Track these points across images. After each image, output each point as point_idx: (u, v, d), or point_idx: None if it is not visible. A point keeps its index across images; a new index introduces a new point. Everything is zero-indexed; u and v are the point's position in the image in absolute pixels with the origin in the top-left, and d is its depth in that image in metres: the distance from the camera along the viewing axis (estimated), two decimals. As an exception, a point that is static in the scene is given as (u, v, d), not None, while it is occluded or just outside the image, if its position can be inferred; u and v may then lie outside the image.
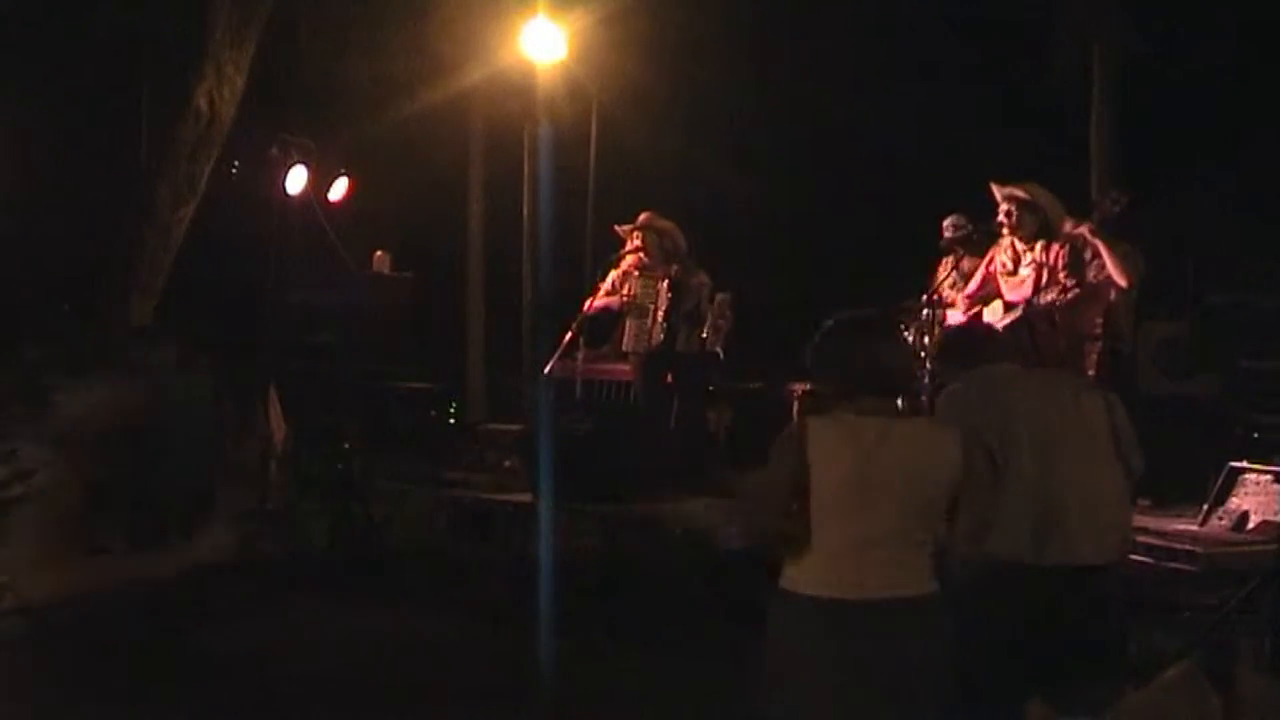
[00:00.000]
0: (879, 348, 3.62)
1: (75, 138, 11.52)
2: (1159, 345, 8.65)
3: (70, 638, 3.57)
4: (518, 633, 6.15)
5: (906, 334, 8.18)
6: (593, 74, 10.76)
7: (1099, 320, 7.86)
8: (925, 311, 7.75)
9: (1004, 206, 7.14)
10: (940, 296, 7.86)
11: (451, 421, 10.94)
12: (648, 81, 11.48)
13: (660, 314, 8.49)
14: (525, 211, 11.89)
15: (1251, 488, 6.82)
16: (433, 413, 10.92)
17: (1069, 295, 6.84)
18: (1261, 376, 7.90)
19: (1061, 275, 6.88)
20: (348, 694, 5.60)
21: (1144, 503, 8.00)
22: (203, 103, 9.39)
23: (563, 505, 7.11)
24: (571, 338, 8.71)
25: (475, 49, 11.01)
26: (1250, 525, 6.68)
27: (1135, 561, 6.06)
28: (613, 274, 8.82)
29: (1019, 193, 7.10)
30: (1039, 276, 6.99)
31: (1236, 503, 6.83)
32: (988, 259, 7.37)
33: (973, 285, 7.41)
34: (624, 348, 8.77)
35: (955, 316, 7.46)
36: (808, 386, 3.86)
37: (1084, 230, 7.49)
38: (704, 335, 8.49)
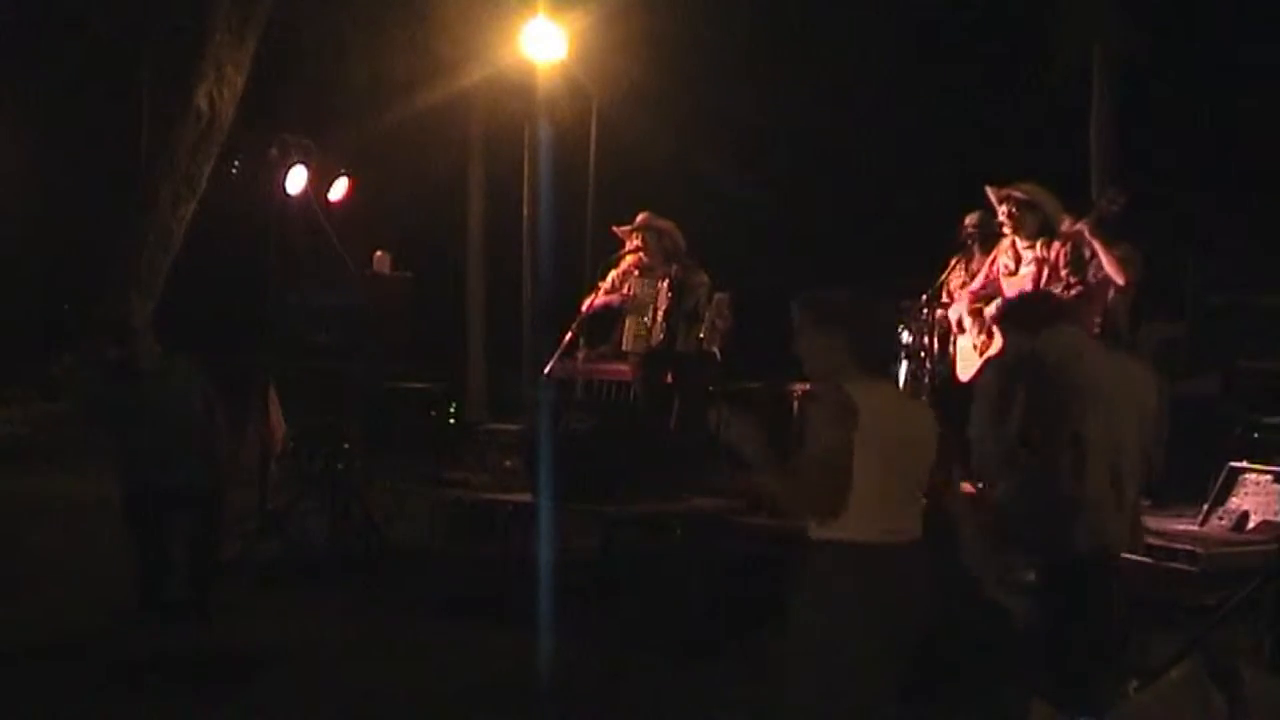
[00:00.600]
0: (881, 320, 4.04)
1: (75, 138, 11.53)
2: (1159, 345, 8.65)
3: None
4: (518, 633, 6.15)
5: (906, 334, 8.19)
6: (593, 74, 10.76)
7: (1097, 320, 7.87)
8: (925, 311, 7.74)
9: (1003, 208, 7.13)
10: (951, 295, 7.85)
11: (451, 421, 10.94)
12: (648, 81, 11.49)
13: (660, 314, 8.48)
14: (525, 211, 11.90)
15: (1251, 488, 6.81)
16: (433, 413, 10.91)
17: (1071, 292, 6.84)
18: (1261, 376, 7.89)
19: (1063, 272, 6.88)
20: (347, 694, 5.59)
21: (1144, 503, 8.01)
22: (203, 103, 9.40)
23: (563, 505, 7.10)
24: (571, 338, 8.70)
25: (475, 49, 11.02)
26: (1250, 525, 6.67)
27: (1135, 561, 6.06)
28: (612, 274, 8.82)
29: (1017, 193, 7.10)
30: (1040, 273, 6.98)
31: (1236, 503, 6.82)
32: (990, 260, 7.37)
33: (976, 283, 7.41)
34: (624, 347, 8.76)
35: (959, 309, 7.45)
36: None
37: (1082, 228, 7.49)
38: (701, 335, 8.48)
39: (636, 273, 8.68)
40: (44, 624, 6.46)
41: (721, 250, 9.51)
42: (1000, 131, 11.42)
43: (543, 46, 10.03)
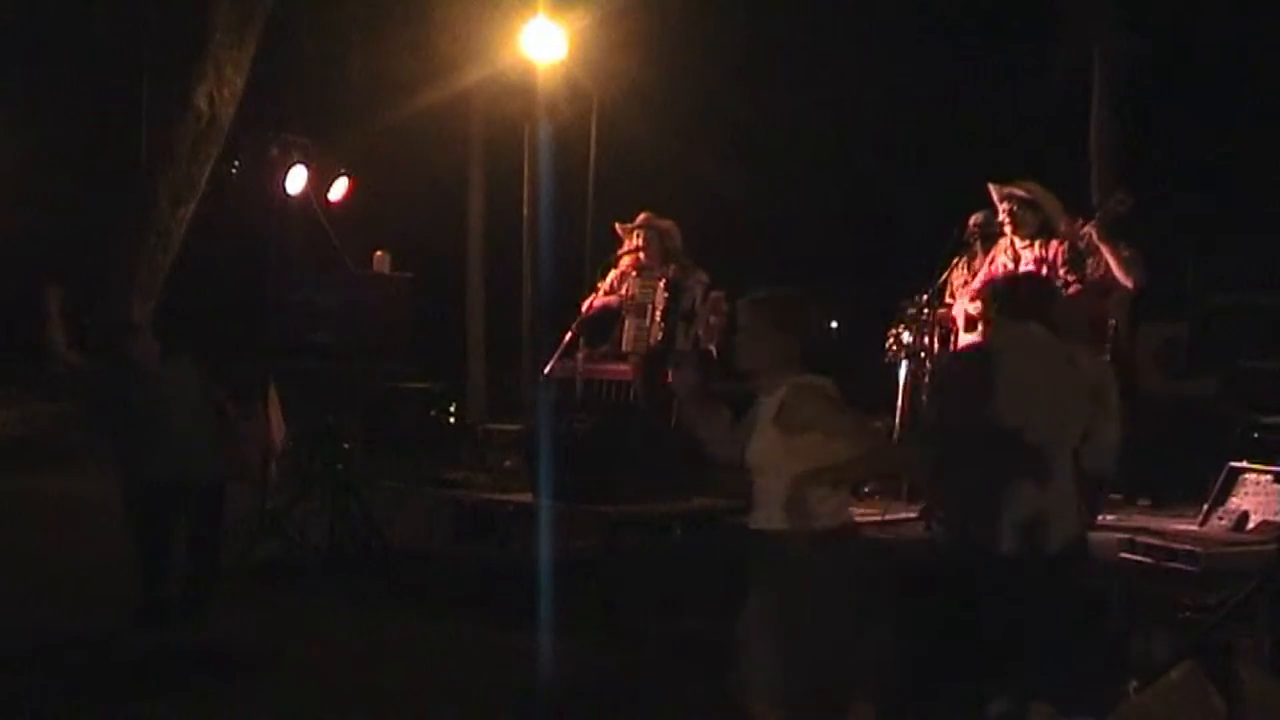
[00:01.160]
0: (821, 320, 4.28)
1: (75, 137, 11.53)
2: (1159, 345, 8.65)
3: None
4: (518, 633, 6.15)
5: (906, 334, 8.19)
6: (593, 74, 10.76)
7: (1112, 321, 7.84)
8: (925, 311, 7.74)
9: (1004, 206, 7.14)
10: (953, 294, 7.85)
11: (451, 421, 10.94)
12: (648, 81, 11.49)
13: (658, 314, 8.48)
14: (525, 211, 11.89)
15: (1251, 488, 6.81)
16: (433, 413, 10.92)
17: (1069, 290, 6.84)
18: (1261, 376, 7.90)
19: (1061, 270, 6.88)
20: (347, 694, 5.59)
21: (1144, 503, 8.02)
22: (203, 103, 9.40)
23: (563, 505, 7.10)
24: (571, 338, 8.70)
25: (475, 49, 11.02)
26: (1250, 525, 6.68)
27: (1135, 561, 6.07)
28: (611, 274, 8.82)
29: (1018, 191, 7.10)
30: (1039, 273, 6.98)
31: (1236, 503, 6.83)
32: (990, 259, 7.37)
33: (977, 283, 7.40)
34: (623, 348, 8.76)
35: (961, 306, 7.45)
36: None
37: (1089, 230, 7.49)
38: (698, 334, 8.48)
39: (635, 273, 8.69)
40: (43, 624, 6.46)
41: (722, 250, 9.50)
42: (1000, 131, 11.42)
43: (543, 46, 10.03)
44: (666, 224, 8.70)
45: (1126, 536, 6.41)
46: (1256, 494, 6.76)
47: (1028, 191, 7.10)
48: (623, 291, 8.72)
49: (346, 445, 8.26)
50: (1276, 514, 6.53)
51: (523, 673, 5.79)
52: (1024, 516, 4.52)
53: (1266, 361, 7.96)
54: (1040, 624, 4.57)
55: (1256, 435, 7.20)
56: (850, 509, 4.06)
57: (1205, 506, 6.93)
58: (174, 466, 6.62)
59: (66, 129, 11.56)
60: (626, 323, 8.72)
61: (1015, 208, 7.09)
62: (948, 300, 7.93)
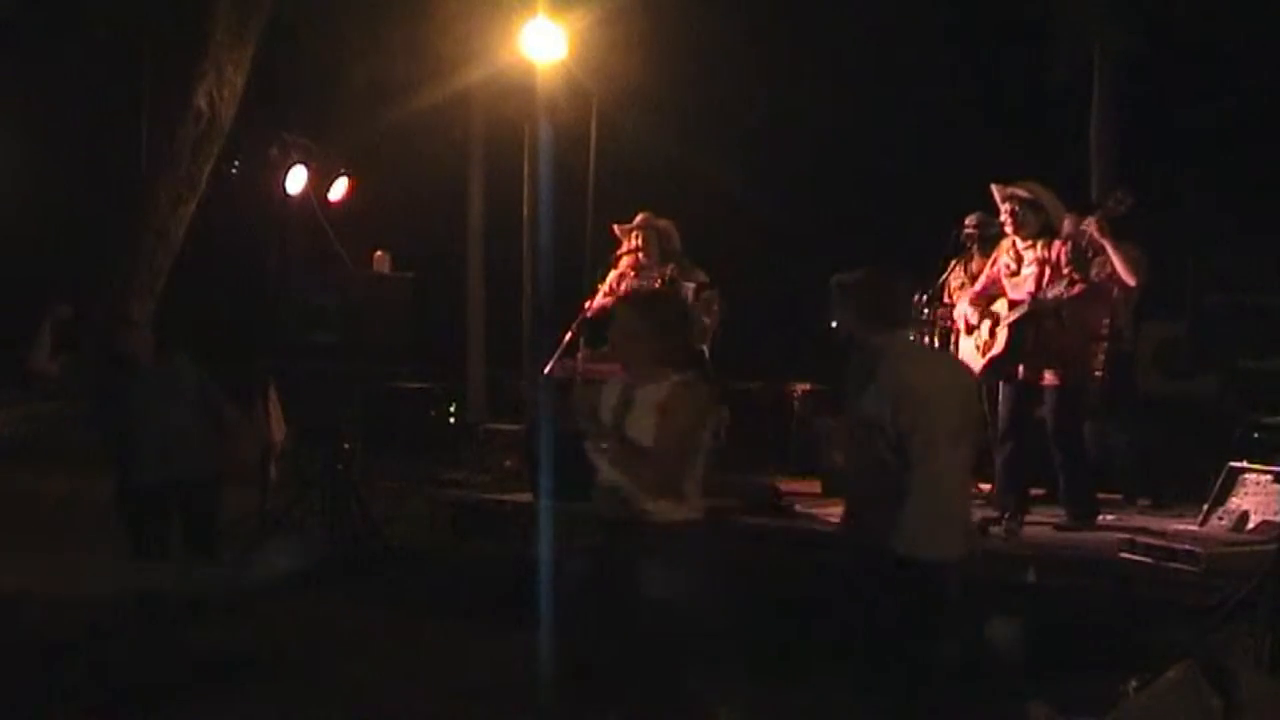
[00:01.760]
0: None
1: (75, 138, 11.53)
2: (1159, 345, 8.65)
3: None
4: (518, 633, 6.14)
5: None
6: (593, 74, 10.75)
7: (1106, 320, 7.86)
8: (925, 311, 7.75)
9: (1006, 206, 7.13)
10: (951, 296, 7.85)
11: (451, 421, 10.94)
12: (648, 81, 11.47)
13: (657, 314, 8.48)
14: (525, 211, 11.89)
15: (1251, 488, 6.81)
16: (433, 413, 10.91)
17: (1075, 289, 6.84)
18: (1261, 376, 7.90)
19: (1065, 269, 6.89)
20: (346, 693, 5.59)
21: (1144, 503, 8.03)
22: (203, 103, 9.40)
23: (563, 505, 7.10)
24: (571, 338, 8.71)
25: (475, 49, 11.01)
26: (1250, 525, 6.68)
27: (1135, 561, 6.07)
28: (611, 274, 8.83)
29: (1020, 192, 7.10)
30: (1042, 273, 6.99)
31: (1236, 503, 6.83)
32: (991, 260, 7.37)
33: (979, 285, 7.41)
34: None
35: (961, 310, 7.46)
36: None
37: (1090, 226, 7.48)
38: (695, 335, 8.48)
39: (633, 274, 8.70)
40: (42, 624, 6.46)
41: (722, 250, 9.50)
42: (1000, 131, 11.40)
43: (543, 46, 10.02)
44: (665, 224, 8.71)
45: (1126, 536, 6.41)
46: (1256, 494, 6.76)
47: (1029, 192, 7.10)
48: (621, 292, 8.72)
49: (346, 445, 8.27)
50: (1276, 514, 6.53)
51: (523, 673, 5.79)
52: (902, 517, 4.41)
53: (1266, 361, 7.96)
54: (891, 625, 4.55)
55: (1256, 435, 7.20)
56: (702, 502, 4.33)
57: (1205, 506, 6.93)
58: (166, 463, 6.62)
59: (66, 129, 11.56)
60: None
61: (1017, 208, 7.09)
62: (946, 301, 7.93)
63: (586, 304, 8.78)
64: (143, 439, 6.67)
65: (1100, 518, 7.28)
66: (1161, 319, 8.72)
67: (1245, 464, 6.88)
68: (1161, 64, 11.01)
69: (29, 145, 11.04)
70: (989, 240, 7.79)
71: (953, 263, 8.20)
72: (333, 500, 7.98)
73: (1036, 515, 7.25)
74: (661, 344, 4.35)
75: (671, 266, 8.55)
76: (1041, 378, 7.02)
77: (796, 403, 9.95)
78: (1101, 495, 7.58)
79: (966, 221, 8.22)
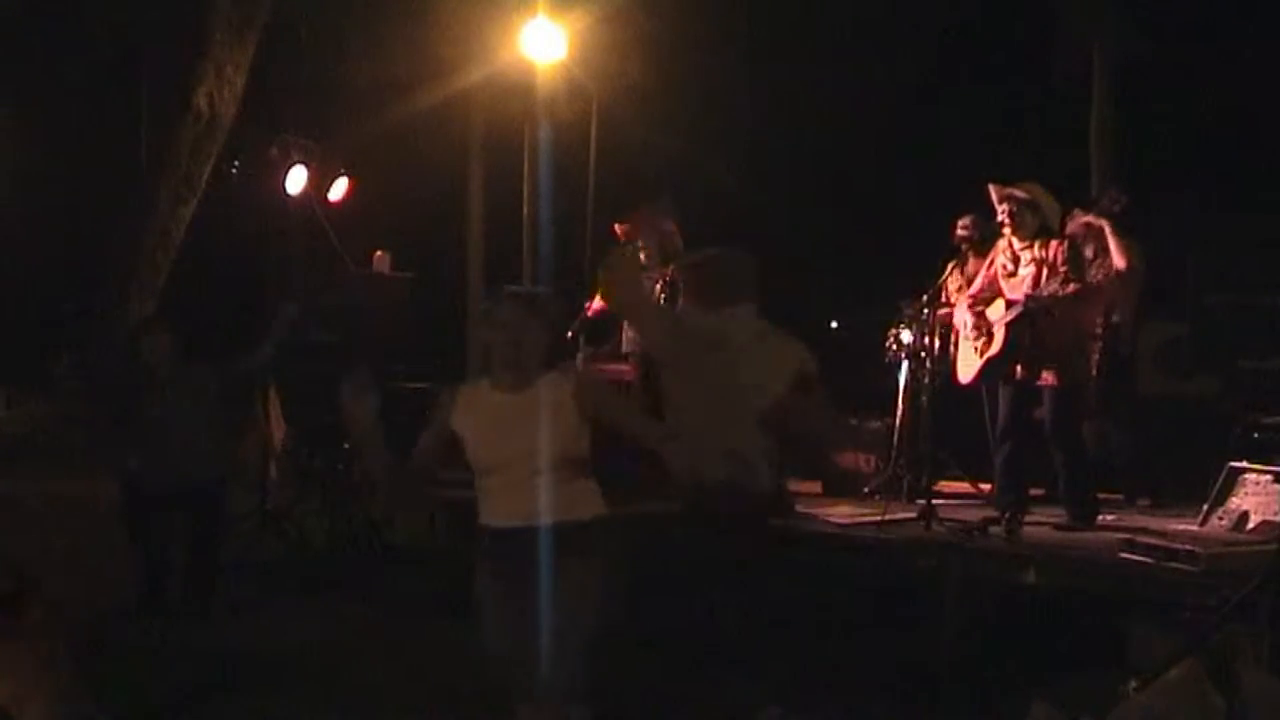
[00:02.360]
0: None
1: (75, 138, 11.52)
2: (1159, 345, 8.65)
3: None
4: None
5: (907, 334, 8.20)
6: (593, 74, 10.75)
7: (1099, 320, 7.87)
8: (925, 311, 7.75)
9: (1003, 206, 7.13)
10: (948, 298, 7.85)
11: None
12: (648, 81, 11.48)
13: (658, 314, 8.48)
14: (525, 211, 11.88)
15: (1251, 488, 6.80)
16: (433, 413, 10.89)
17: (1069, 288, 6.84)
18: (1261, 376, 7.89)
19: (1062, 269, 6.88)
20: (346, 693, 5.59)
21: (1144, 503, 8.03)
22: (203, 103, 9.39)
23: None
24: (571, 338, 8.71)
25: (475, 49, 11.01)
26: (1250, 525, 6.67)
27: (1135, 561, 6.06)
28: (612, 274, 8.82)
29: (1018, 193, 7.09)
30: (1039, 273, 6.98)
31: (1236, 503, 6.82)
32: (988, 261, 7.37)
33: (975, 286, 7.40)
34: (622, 349, 8.77)
35: (960, 314, 7.46)
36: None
37: (1090, 219, 7.51)
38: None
39: (635, 274, 8.69)
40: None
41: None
42: (1000, 131, 11.40)
43: (543, 46, 10.03)
44: (667, 225, 8.70)
45: (1126, 536, 6.41)
46: (1256, 494, 6.75)
47: (1027, 192, 7.10)
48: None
49: (346, 445, 8.27)
50: (1276, 514, 6.52)
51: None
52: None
53: (1266, 361, 7.95)
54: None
55: (1256, 435, 7.19)
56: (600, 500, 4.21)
57: (1205, 506, 6.92)
58: (175, 466, 6.63)
59: (66, 129, 11.55)
60: (625, 323, 8.73)
61: (1014, 209, 7.08)
62: (942, 301, 7.94)
63: (586, 304, 8.78)
64: (149, 442, 6.68)
65: (1100, 518, 7.28)
66: (1162, 319, 8.72)
67: (1245, 464, 6.87)
68: (1161, 64, 11.01)
69: (29, 145, 11.03)
70: (983, 242, 7.80)
71: (950, 266, 8.22)
72: (333, 500, 7.98)
73: (1036, 515, 7.25)
74: (551, 344, 4.14)
75: (673, 267, 8.54)
76: (1039, 378, 7.02)
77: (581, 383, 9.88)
78: (1101, 495, 7.58)
79: (959, 224, 8.23)
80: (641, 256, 8.67)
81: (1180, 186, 10.68)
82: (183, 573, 6.78)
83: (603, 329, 9.05)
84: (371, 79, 11.35)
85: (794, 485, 8.58)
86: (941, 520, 6.99)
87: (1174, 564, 5.85)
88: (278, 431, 8.47)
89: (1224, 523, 6.75)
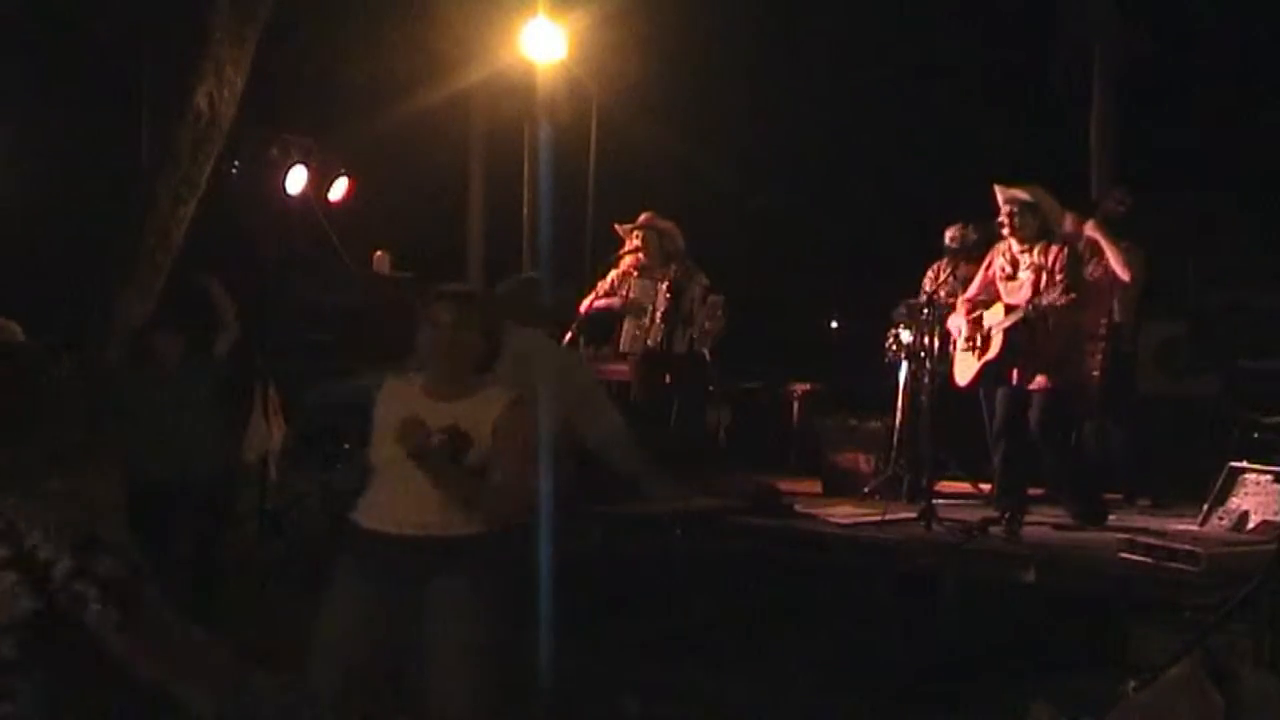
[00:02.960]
0: None
1: (75, 138, 11.50)
2: (1159, 345, 8.66)
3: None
4: (518, 633, 6.14)
5: (906, 334, 8.20)
6: (593, 74, 10.76)
7: (1103, 320, 7.87)
8: (925, 312, 7.75)
9: (1005, 208, 7.13)
10: (939, 300, 7.86)
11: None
12: (648, 81, 11.48)
13: (659, 315, 8.49)
14: (525, 211, 11.88)
15: (1251, 488, 6.81)
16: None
17: (1063, 300, 6.84)
18: (1261, 376, 7.90)
19: (1059, 277, 6.88)
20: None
21: (1144, 503, 8.03)
22: (203, 103, 9.37)
23: (563, 505, 7.09)
24: (571, 338, 8.71)
25: (475, 49, 11.01)
26: (1250, 525, 6.67)
27: (1135, 561, 6.07)
28: (612, 274, 8.83)
29: (1022, 195, 7.09)
30: (1038, 279, 6.98)
31: (1236, 503, 6.82)
32: (986, 262, 7.36)
33: (973, 288, 7.40)
34: (621, 348, 8.77)
35: (956, 321, 7.46)
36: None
37: (1087, 228, 7.52)
38: (693, 336, 8.49)
39: (636, 274, 8.70)
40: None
41: (721, 251, 9.51)
42: (1000, 131, 11.40)
43: (543, 46, 10.03)
44: (667, 225, 8.70)
45: (1126, 536, 6.41)
46: (1256, 494, 6.75)
47: (1031, 195, 7.10)
48: (623, 292, 8.73)
49: (346, 445, 8.26)
50: (1276, 514, 6.53)
51: (523, 673, 5.79)
52: None
53: (1266, 361, 7.96)
54: None
55: (1256, 435, 7.20)
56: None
57: (1205, 506, 6.93)
58: (178, 464, 6.63)
59: (66, 129, 11.54)
60: (625, 324, 8.74)
61: (1016, 210, 7.08)
62: (938, 302, 7.94)
63: (584, 304, 8.79)
64: (153, 440, 6.68)
65: (1099, 518, 7.29)
66: (1162, 319, 8.73)
67: (1245, 464, 6.87)
68: (1161, 63, 11.01)
69: (28, 145, 11.02)
70: (978, 246, 7.81)
71: (935, 265, 8.26)
72: (332, 500, 7.97)
73: (1036, 515, 7.25)
74: (486, 348, 3.95)
75: (674, 268, 8.55)
76: (1033, 382, 7.02)
77: (796, 403, 9.95)
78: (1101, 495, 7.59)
79: (948, 233, 8.25)
80: (642, 256, 8.69)
81: (1180, 186, 10.68)
82: (185, 573, 6.77)
83: (604, 329, 9.05)
84: (371, 79, 11.35)
85: (794, 485, 8.59)
86: (941, 520, 6.99)
87: (1174, 564, 5.86)
88: (277, 431, 8.46)
89: (1224, 523, 6.76)
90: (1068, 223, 7.36)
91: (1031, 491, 7.33)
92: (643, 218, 8.73)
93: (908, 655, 5.67)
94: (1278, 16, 10.08)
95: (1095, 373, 7.86)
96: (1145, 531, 6.61)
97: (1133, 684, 4.52)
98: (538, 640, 6.01)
